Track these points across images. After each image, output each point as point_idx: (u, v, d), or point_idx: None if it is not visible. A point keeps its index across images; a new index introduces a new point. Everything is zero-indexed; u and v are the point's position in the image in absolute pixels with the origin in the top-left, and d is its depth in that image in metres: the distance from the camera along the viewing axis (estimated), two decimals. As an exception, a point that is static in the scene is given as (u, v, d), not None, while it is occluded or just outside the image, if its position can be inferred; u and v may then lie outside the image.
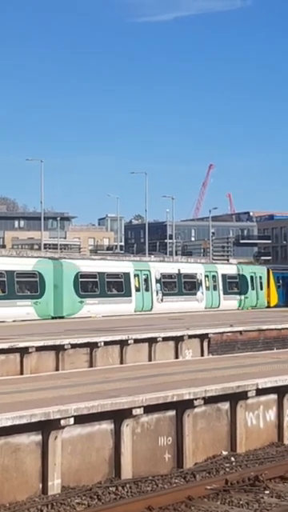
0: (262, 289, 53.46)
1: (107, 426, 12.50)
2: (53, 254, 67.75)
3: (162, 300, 45.61)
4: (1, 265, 38.39)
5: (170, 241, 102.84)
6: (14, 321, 36.21)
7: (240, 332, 29.79)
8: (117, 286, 43.64)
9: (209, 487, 11.64)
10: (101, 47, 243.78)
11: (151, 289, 45.09)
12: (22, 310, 37.49)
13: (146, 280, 44.96)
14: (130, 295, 43.88)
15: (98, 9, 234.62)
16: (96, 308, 41.13)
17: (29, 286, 39.01)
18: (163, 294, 45.85)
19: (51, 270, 39.56)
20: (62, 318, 38.97)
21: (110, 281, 43.23)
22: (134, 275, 44.35)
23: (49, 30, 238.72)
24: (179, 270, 48.73)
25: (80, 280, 40.98)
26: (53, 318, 38.78)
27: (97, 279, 42.17)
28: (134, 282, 44.11)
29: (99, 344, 24.87)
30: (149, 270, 45.64)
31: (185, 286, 48.47)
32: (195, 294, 48.63)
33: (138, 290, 44.37)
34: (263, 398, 14.93)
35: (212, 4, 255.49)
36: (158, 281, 45.58)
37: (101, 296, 42.00)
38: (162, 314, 41.92)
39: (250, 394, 14.32)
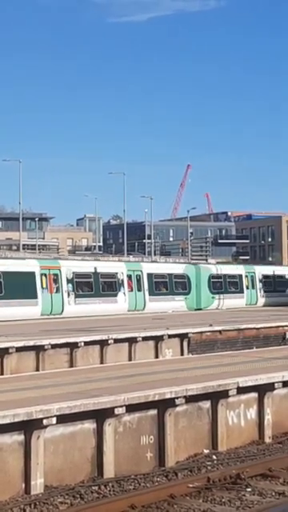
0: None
1: (89, 425, 12.54)
2: (32, 255, 67.60)
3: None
4: (165, 269, 49.39)
5: (149, 241, 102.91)
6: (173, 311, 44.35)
7: (219, 331, 29.90)
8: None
9: (191, 485, 11.71)
10: (75, 47, 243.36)
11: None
12: (177, 304, 47.20)
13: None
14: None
15: (66, 9, 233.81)
16: (221, 302, 50.73)
17: (181, 285, 48.67)
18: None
19: (194, 273, 49.52)
20: (200, 309, 48.50)
21: (229, 281, 52.55)
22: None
23: (24, 30, 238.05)
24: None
25: (212, 280, 50.47)
26: (196, 309, 48.23)
27: (221, 279, 51.93)
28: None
29: (79, 344, 24.88)
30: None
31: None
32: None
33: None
34: (244, 397, 15.03)
35: (186, 4, 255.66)
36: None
37: (224, 293, 51.56)
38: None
39: (230, 393, 14.41)
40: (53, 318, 39.09)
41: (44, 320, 37.72)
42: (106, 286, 44.09)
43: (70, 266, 42.46)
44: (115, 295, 43.96)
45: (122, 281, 44.40)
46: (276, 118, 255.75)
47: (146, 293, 45.82)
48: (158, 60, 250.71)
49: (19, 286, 38.68)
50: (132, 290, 44.91)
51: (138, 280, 45.56)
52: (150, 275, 46.44)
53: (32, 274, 39.38)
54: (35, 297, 39.06)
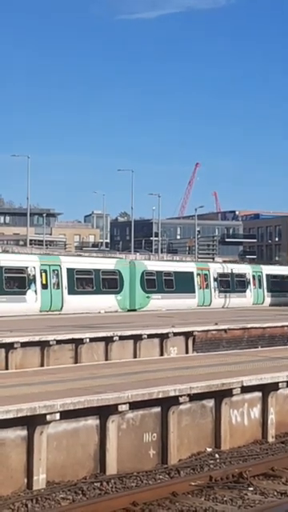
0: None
1: (93, 421, 12.54)
2: (38, 251, 67.60)
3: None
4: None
5: (156, 239, 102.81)
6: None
7: (225, 330, 29.88)
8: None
9: (193, 483, 11.71)
10: (84, 44, 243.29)
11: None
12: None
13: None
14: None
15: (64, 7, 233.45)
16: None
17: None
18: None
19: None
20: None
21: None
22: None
23: (35, 26, 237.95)
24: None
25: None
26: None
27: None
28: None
29: (84, 340, 24.91)
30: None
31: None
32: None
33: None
34: (248, 396, 15.01)
35: (195, 2, 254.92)
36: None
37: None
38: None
39: (234, 392, 14.40)
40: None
41: (50, 316, 37.77)
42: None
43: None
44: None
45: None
46: (286, 118, 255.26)
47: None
48: (167, 58, 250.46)
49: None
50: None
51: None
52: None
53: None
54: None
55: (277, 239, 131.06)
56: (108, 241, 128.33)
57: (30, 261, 40.58)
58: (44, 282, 39.89)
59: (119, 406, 12.52)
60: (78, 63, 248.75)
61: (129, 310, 44.20)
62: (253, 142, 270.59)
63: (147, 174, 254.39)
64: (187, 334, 28.28)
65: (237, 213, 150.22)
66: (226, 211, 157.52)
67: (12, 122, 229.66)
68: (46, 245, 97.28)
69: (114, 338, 25.81)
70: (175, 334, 27.77)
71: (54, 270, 40.63)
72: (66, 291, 40.84)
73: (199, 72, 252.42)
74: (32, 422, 11.60)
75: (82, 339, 24.86)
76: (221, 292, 50.72)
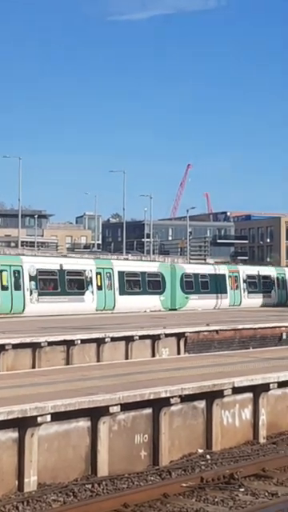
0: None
1: (84, 423, 12.53)
2: (30, 252, 67.58)
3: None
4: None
5: (148, 240, 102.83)
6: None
7: (216, 331, 29.91)
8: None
9: (184, 485, 11.71)
10: (74, 44, 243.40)
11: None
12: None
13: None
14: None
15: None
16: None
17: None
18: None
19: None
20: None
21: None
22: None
23: (24, 25, 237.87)
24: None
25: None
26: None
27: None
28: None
29: (76, 342, 24.88)
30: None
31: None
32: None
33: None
34: (239, 397, 15.03)
35: (186, 3, 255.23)
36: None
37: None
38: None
39: (226, 393, 14.41)
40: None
41: (42, 317, 37.71)
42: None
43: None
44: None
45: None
46: (278, 119, 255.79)
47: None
48: (158, 58, 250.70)
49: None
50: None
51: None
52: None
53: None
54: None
55: (268, 240, 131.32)
56: (100, 242, 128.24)
57: (87, 264, 43.98)
58: (99, 283, 43.13)
59: (110, 408, 12.51)
60: (69, 63, 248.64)
61: (170, 310, 46.81)
62: (244, 143, 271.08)
63: (139, 175, 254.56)
64: (179, 335, 28.29)
65: (228, 214, 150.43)
66: (217, 212, 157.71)
67: (3, 123, 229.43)
68: (38, 246, 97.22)
69: (106, 340, 25.80)
70: (167, 335, 27.77)
71: (107, 273, 43.84)
72: (117, 292, 43.99)
73: (191, 73, 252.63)
74: (23, 424, 11.58)
75: (73, 341, 24.84)
76: (249, 293, 53.85)
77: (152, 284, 46.91)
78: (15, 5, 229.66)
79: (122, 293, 44.29)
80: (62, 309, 39.98)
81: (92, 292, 42.65)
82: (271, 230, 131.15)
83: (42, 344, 24.03)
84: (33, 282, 39.73)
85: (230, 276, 52.89)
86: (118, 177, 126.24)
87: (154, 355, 26.98)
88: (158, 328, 28.42)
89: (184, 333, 28.46)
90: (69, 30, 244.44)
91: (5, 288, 38.39)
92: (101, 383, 14.34)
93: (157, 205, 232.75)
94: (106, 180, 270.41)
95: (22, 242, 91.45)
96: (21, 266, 39.60)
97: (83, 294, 42.29)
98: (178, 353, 27.86)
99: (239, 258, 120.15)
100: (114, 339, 26.08)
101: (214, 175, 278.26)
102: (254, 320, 34.47)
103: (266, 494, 11.60)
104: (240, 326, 31.20)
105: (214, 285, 51.00)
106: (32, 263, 40.59)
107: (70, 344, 24.82)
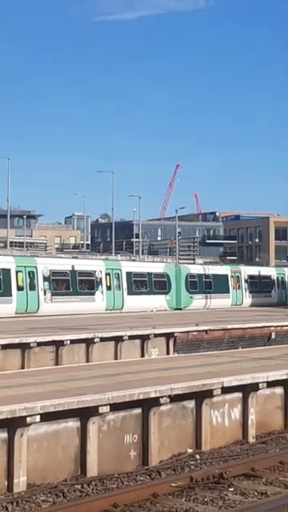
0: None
1: (73, 423, 12.53)
2: (19, 253, 67.46)
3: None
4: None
5: (137, 240, 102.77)
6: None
7: (205, 331, 29.94)
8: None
9: (174, 484, 11.72)
10: (61, 45, 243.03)
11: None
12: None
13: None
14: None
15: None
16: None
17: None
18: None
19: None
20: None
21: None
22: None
23: (12, 27, 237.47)
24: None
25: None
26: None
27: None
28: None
29: (65, 342, 24.86)
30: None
31: None
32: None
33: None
34: (228, 397, 15.06)
35: (175, 4, 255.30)
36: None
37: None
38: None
39: (215, 393, 14.43)
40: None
41: (31, 318, 37.68)
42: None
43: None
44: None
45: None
46: (267, 118, 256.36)
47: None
48: (146, 58, 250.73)
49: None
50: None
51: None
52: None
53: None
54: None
55: (257, 240, 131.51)
56: (89, 242, 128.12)
57: (97, 265, 45.17)
58: (108, 284, 44.17)
59: (100, 408, 12.51)
60: (57, 64, 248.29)
61: (175, 309, 47.95)
62: (233, 144, 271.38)
63: (128, 175, 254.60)
64: (168, 335, 28.30)
65: (217, 214, 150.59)
66: (206, 212, 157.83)
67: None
68: (27, 247, 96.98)
69: (95, 340, 25.79)
70: (156, 336, 27.79)
71: (115, 274, 44.93)
72: (125, 292, 45.06)
73: (180, 73, 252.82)
74: (12, 425, 11.57)
75: (62, 341, 24.81)
76: (250, 292, 54.92)
77: (158, 284, 47.99)
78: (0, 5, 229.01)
79: (130, 293, 45.45)
80: (74, 308, 40.95)
81: (102, 292, 43.77)
82: (260, 230, 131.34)
83: (31, 344, 23.99)
84: (46, 283, 40.71)
85: (232, 276, 54.05)
86: (106, 177, 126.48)
87: (143, 355, 26.99)
88: (148, 328, 28.43)
89: (173, 333, 28.48)
90: (56, 31, 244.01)
91: (20, 288, 39.25)
92: (90, 383, 14.34)
93: (146, 205, 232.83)
94: (94, 180, 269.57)
95: (11, 242, 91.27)
96: (35, 267, 40.48)
97: (94, 294, 43.38)
98: (168, 353, 27.88)
99: (228, 258, 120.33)
100: (103, 339, 26.07)
101: (202, 176, 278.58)
102: (243, 320, 34.51)
103: (256, 493, 11.62)
104: (229, 326, 31.24)
105: (217, 285, 52.18)
106: (45, 264, 41.56)
107: (59, 344, 24.79)
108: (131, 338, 27.00)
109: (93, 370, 16.97)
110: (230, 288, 53.38)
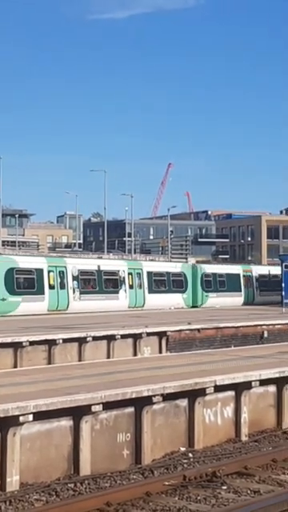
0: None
1: (66, 422, 12.52)
2: (11, 252, 67.40)
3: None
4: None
5: (129, 239, 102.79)
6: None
7: (198, 330, 29.96)
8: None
9: (167, 483, 11.72)
10: (54, 44, 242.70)
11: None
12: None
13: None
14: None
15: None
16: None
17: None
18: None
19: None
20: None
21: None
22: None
23: (8, 26, 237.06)
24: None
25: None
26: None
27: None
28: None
29: (58, 341, 24.85)
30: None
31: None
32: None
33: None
34: (221, 395, 15.07)
35: (165, 2, 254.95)
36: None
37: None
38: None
39: (208, 391, 14.44)
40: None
41: (23, 317, 37.66)
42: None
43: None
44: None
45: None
46: (258, 118, 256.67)
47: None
48: (138, 57, 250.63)
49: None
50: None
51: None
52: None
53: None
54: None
55: (249, 239, 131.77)
56: (81, 241, 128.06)
57: (120, 265, 47.62)
58: (130, 283, 46.47)
59: (93, 407, 12.51)
60: (49, 63, 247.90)
61: (192, 307, 49.70)
62: (225, 143, 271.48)
63: (120, 174, 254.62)
64: (160, 334, 28.31)
65: (209, 213, 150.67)
66: (198, 211, 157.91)
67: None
68: (19, 246, 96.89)
69: (88, 339, 25.78)
70: (149, 334, 27.79)
71: (137, 273, 47.16)
72: (146, 291, 47.34)
73: (170, 72, 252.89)
74: (5, 424, 11.55)
75: (55, 340, 24.80)
76: (261, 291, 56.38)
77: (176, 283, 49.91)
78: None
79: (150, 291, 47.63)
80: (100, 306, 43.23)
81: (125, 291, 46.03)
82: (252, 229, 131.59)
83: (24, 343, 23.97)
84: (75, 282, 42.98)
85: (243, 275, 55.63)
86: (98, 176, 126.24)
87: (135, 354, 26.99)
88: (140, 327, 28.44)
89: (166, 332, 28.48)
90: (53, 30, 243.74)
91: (52, 287, 41.48)
92: (83, 382, 14.34)
93: (138, 204, 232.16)
94: (86, 179, 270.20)
95: (3, 241, 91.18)
96: (65, 267, 42.74)
97: (117, 292, 45.66)
98: (160, 351, 27.89)
99: (220, 256, 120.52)
100: (95, 338, 26.06)
101: (194, 174, 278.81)
102: (235, 318, 34.55)
103: (249, 491, 11.63)
104: (222, 325, 31.27)
105: (231, 283, 53.88)
106: (74, 264, 43.94)
107: (51, 343, 24.77)
108: (123, 336, 27.00)
109: (85, 369, 16.97)
110: (242, 286, 54.94)
